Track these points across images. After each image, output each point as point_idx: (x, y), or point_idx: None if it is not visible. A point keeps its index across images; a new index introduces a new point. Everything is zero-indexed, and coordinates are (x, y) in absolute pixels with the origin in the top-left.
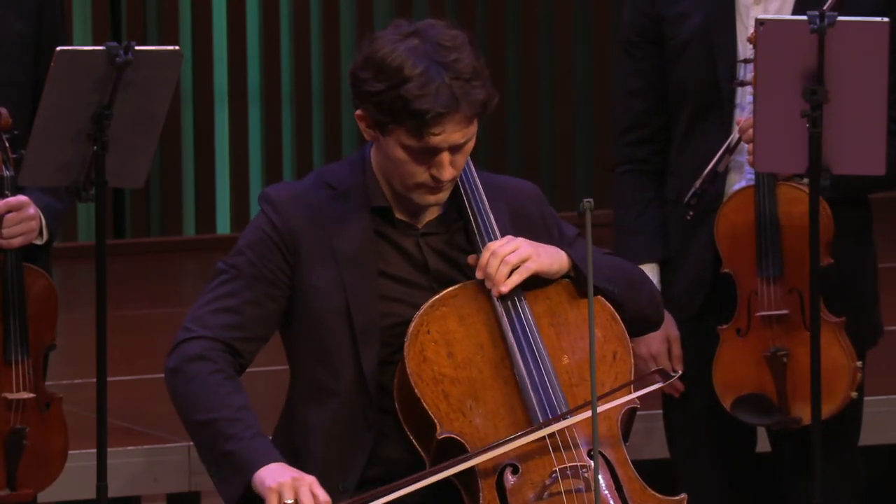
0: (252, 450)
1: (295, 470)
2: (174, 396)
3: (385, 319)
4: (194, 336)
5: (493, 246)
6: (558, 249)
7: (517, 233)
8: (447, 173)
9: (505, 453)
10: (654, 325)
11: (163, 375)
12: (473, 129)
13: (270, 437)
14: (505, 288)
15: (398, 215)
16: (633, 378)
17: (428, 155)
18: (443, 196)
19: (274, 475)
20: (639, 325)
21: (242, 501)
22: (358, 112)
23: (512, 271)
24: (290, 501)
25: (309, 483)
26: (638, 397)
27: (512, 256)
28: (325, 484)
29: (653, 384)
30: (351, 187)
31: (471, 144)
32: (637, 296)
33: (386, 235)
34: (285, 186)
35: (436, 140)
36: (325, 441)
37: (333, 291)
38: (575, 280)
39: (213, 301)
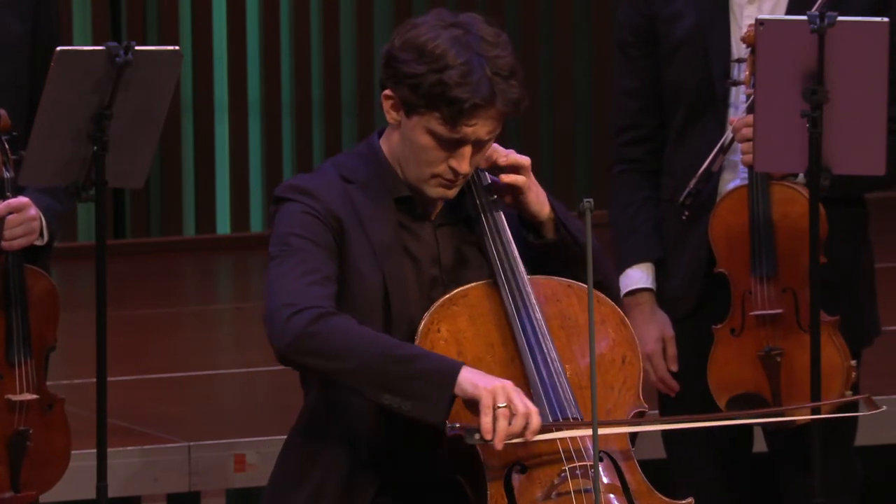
0: (441, 360)
1: (505, 380)
2: (315, 357)
3: (414, 309)
4: (303, 307)
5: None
6: (546, 199)
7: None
8: (465, 166)
9: (514, 453)
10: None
11: (162, 376)
12: (500, 127)
13: (293, 426)
14: (504, 160)
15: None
16: (641, 381)
17: (453, 145)
18: (453, 193)
19: (484, 378)
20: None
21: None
22: (386, 92)
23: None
24: (502, 404)
25: (520, 392)
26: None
27: (511, 157)
28: (353, 473)
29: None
30: (369, 179)
31: (489, 146)
32: (604, 262)
33: (407, 226)
34: (306, 177)
35: (466, 131)
36: (356, 424)
37: (373, 276)
38: (546, 246)
39: (297, 279)
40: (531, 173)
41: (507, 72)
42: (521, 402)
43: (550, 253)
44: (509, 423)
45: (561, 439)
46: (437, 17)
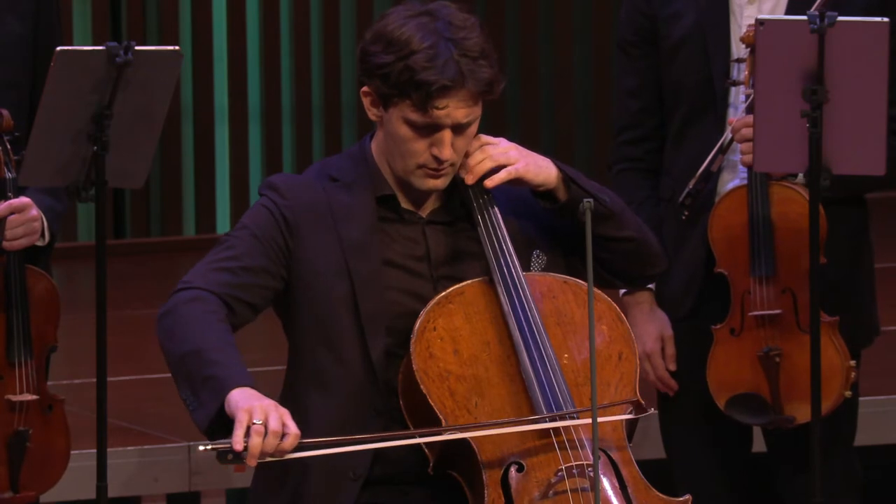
0: (232, 375)
1: (271, 400)
2: (164, 335)
3: (390, 309)
4: (191, 286)
5: (483, 138)
6: (550, 163)
7: (518, 216)
8: (447, 152)
9: (511, 451)
10: (659, 257)
11: (162, 375)
12: (478, 110)
13: None
14: (471, 178)
15: (403, 204)
16: (638, 377)
17: (430, 131)
18: (442, 182)
19: (249, 398)
20: (646, 252)
21: (217, 428)
22: (363, 88)
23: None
24: (258, 422)
25: (282, 413)
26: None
27: (499, 155)
28: (333, 473)
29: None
30: (354, 178)
31: (473, 129)
32: (632, 217)
33: (390, 223)
34: (288, 175)
35: (439, 114)
36: (329, 428)
37: (338, 277)
38: (564, 208)
39: (211, 262)
40: (509, 153)
41: (475, 53)
42: (277, 423)
43: (572, 214)
44: (263, 441)
45: (558, 439)
46: (406, 7)
